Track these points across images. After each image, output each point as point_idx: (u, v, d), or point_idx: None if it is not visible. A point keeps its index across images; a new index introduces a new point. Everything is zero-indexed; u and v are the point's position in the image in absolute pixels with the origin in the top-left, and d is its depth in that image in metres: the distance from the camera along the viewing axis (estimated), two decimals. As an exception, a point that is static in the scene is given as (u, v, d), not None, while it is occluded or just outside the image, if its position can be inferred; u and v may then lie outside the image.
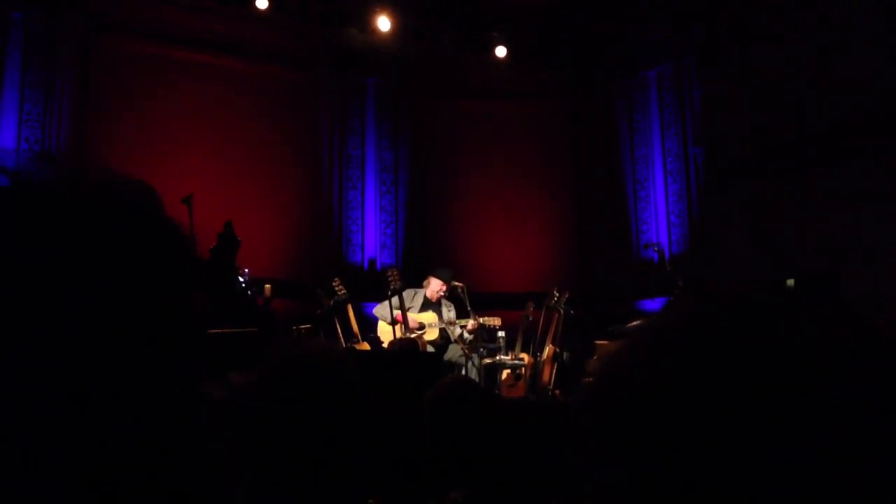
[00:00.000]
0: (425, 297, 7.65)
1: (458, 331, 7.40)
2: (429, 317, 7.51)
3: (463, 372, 7.09)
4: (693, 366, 0.53)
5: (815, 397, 0.50)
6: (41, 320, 0.56)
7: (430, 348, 7.32)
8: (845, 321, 0.55)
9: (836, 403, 0.50)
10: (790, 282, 7.39)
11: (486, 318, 7.51)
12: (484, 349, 7.57)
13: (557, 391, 7.67)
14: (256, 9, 8.95)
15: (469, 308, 7.48)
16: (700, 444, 0.51)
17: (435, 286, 7.63)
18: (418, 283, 7.82)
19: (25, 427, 0.55)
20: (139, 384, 0.59)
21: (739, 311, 0.56)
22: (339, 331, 7.41)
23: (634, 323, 7.28)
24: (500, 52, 9.94)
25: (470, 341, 7.42)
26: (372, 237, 9.89)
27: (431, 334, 7.42)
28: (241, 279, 6.98)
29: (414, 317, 7.45)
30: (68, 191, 0.63)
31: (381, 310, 7.51)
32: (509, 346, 7.69)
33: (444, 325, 7.45)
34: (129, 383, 0.59)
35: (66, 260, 0.58)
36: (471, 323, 7.40)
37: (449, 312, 7.61)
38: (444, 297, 7.69)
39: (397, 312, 7.27)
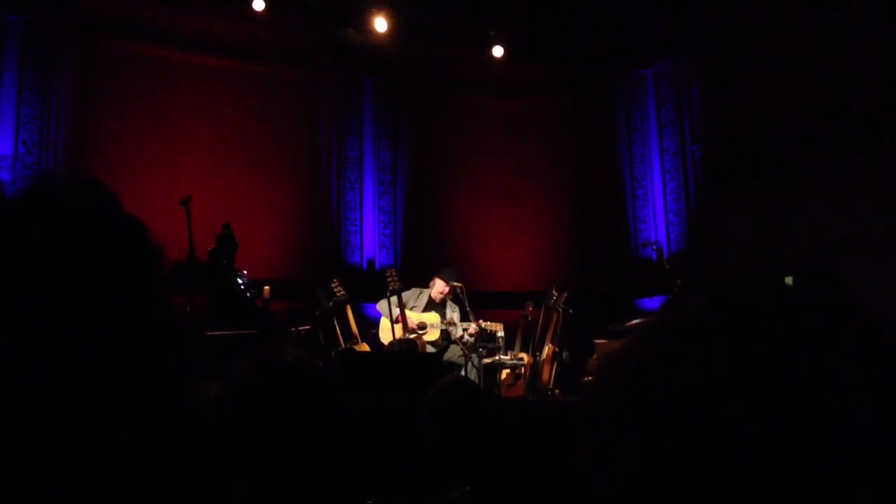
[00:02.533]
0: (430, 297, 7.63)
1: (459, 332, 7.39)
2: (431, 317, 7.49)
3: (462, 372, 7.09)
4: (708, 356, 0.54)
5: (828, 388, 0.51)
6: None
7: (429, 349, 7.31)
8: (853, 315, 0.56)
9: (852, 396, 0.51)
10: (788, 279, 7.40)
11: (487, 324, 7.50)
12: (483, 349, 7.56)
13: (557, 391, 7.67)
14: (253, 9, 8.95)
15: (468, 308, 7.47)
16: (714, 433, 0.52)
17: (439, 287, 7.60)
18: (417, 283, 7.81)
19: None
20: (105, 384, 0.59)
21: (751, 304, 0.57)
22: (339, 332, 7.40)
23: (634, 321, 7.30)
24: (498, 51, 9.95)
25: (470, 343, 7.41)
26: (371, 238, 9.88)
27: (433, 335, 7.40)
28: (239, 281, 6.98)
29: (415, 316, 7.43)
30: (16, 197, 0.63)
31: (383, 306, 7.48)
32: (508, 346, 7.68)
33: (444, 326, 7.43)
34: (97, 384, 0.59)
35: (10, 264, 0.58)
36: (472, 327, 7.39)
37: (453, 314, 7.60)
38: (449, 298, 7.66)
39: (397, 312, 7.26)
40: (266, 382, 1.39)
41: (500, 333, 7.58)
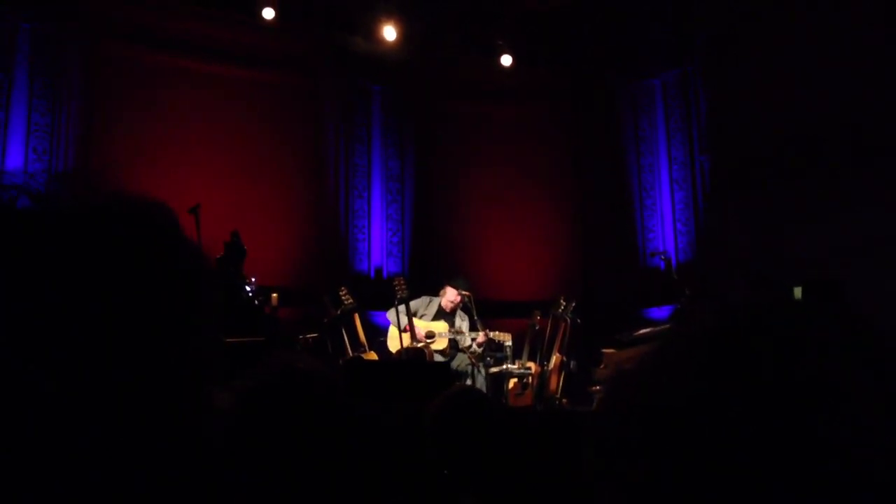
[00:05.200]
0: (440, 306, 7.62)
1: (467, 341, 7.37)
2: (440, 326, 7.48)
3: (469, 381, 7.08)
4: (718, 371, 0.55)
5: (838, 401, 0.52)
6: (68, 333, 0.58)
7: (438, 358, 7.30)
8: (862, 329, 0.56)
9: (862, 411, 0.51)
10: (797, 290, 7.37)
11: (495, 334, 7.49)
12: (491, 358, 7.55)
13: (565, 400, 7.65)
14: (262, 17, 8.99)
15: (475, 317, 7.46)
16: (724, 445, 0.52)
17: (450, 296, 7.58)
18: (426, 291, 7.81)
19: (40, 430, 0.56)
20: (153, 403, 0.60)
21: (760, 319, 0.57)
22: (346, 340, 7.40)
23: (642, 331, 7.28)
24: (506, 59, 9.97)
25: (478, 353, 7.40)
26: (378, 246, 9.89)
27: (441, 344, 7.39)
28: (247, 288, 6.99)
29: (424, 325, 7.43)
30: (95, 212, 0.65)
31: (393, 315, 7.48)
32: (516, 355, 7.67)
33: (453, 335, 7.41)
34: (142, 400, 0.60)
35: (89, 279, 0.60)
36: (480, 336, 7.38)
37: (462, 323, 7.58)
38: (460, 307, 7.65)
39: (405, 322, 7.26)
40: (276, 391, 1.39)
41: (508, 343, 7.56)
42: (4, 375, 0.56)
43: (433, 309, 7.59)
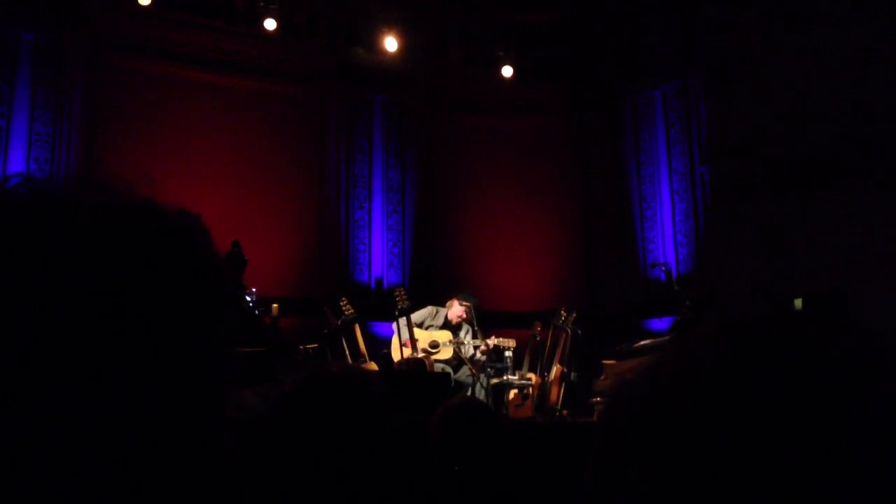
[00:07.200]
0: (446, 317, 7.62)
1: (470, 350, 7.37)
2: (442, 335, 7.48)
3: (470, 392, 7.07)
4: (721, 383, 0.55)
5: (842, 414, 0.52)
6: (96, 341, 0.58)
7: (439, 367, 7.29)
8: (863, 338, 0.56)
9: (865, 420, 0.52)
10: (798, 301, 7.38)
11: (500, 340, 7.48)
12: (491, 369, 7.55)
13: (565, 411, 7.63)
14: (264, 28, 9.02)
15: (476, 328, 7.46)
16: (727, 458, 0.52)
17: (457, 310, 7.59)
18: (426, 302, 7.80)
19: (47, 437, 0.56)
20: (159, 405, 0.60)
21: (763, 334, 0.57)
22: (347, 350, 7.40)
23: (643, 342, 7.27)
24: (507, 71, 9.99)
25: (481, 362, 7.40)
26: (379, 256, 9.90)
27: (445, 353, 7.38)
28: (248, 299, 6.99)
29: (427, 335, 7.42)
30: (114, 212, 0.65)
31: (396, 326, 7.47)
32: (517, 366, 7.67)
33: (455, 344, 7.40)
34: (147, 401, 0.60)
35: (117, 284, 0.60)
36: (483, 344, 7.38)
37: (466, 335, 7.58)
38: (466, 322, 7.65)
39: (406, 338, 7.27)
40: (317, 396, 1.39)
41: (509, 353, 7.55)
42: (7, 375, 0.56)
43: (440, 320, 7.61)
